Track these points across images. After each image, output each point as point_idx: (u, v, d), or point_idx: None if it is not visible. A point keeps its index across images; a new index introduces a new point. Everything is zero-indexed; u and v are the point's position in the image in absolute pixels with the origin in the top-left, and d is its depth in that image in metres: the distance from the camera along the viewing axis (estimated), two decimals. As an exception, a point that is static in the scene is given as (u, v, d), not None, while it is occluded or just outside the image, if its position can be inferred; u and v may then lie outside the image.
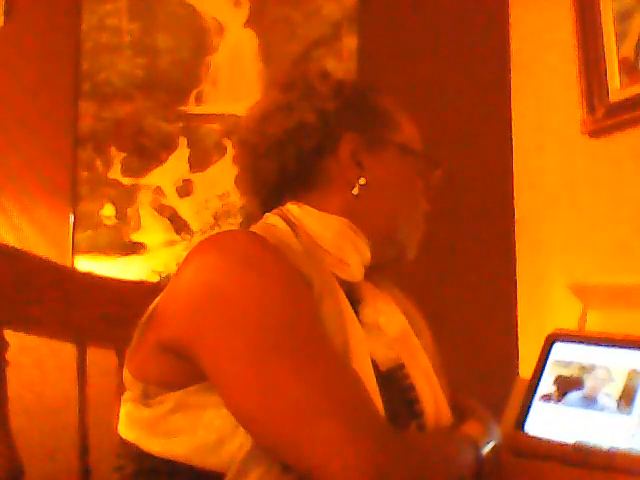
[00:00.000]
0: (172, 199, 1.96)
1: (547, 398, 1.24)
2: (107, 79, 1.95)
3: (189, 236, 1.94)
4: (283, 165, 0.99)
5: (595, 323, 1.50)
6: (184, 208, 1.96)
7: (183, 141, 1.97)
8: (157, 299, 0.90)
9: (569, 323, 1.53)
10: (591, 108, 1.68)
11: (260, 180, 1.03)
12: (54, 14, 1.96)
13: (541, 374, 1.26)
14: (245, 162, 1.04)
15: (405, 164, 1.03)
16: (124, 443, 0.90)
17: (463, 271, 2.00)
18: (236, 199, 1.90)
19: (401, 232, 1.03)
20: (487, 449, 0.95)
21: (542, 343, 1.31)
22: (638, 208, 1.56)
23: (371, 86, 1.07)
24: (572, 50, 1.75)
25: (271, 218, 0.98)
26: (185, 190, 1.96)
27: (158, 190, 1.95)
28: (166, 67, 1.97)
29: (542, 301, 1.87)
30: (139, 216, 1.94)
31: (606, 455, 1.09)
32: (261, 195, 1.04)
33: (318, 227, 0.96)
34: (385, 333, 1.00)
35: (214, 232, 0.93)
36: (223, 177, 1.95)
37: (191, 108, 1.98)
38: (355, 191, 0.98)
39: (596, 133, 1.68)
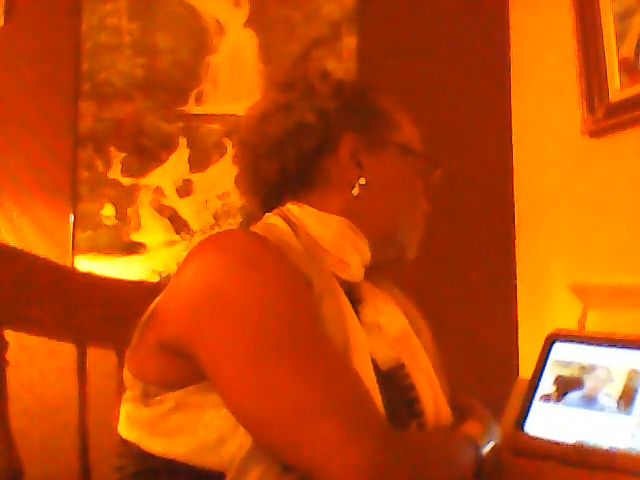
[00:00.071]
0: (172, 199, 1.96)
1: (547, 398, 1.24)
2: (107, 79, 1.95)
3: (189, 236, 1.94)
4: (283, 165, 0.99)
5: (595, 323, 1.50)
6: (184, 208, 1.96)
7: (183, 141, 1.97)
8: (157, 299, 0.90)
9: (569, 323, 1.53)
10: (591, 108, 1.68)
11: (260, 180, 1.03)
12: (54, 14, 1.96)
13: (541, 374, 1.26)
14: (245, 162, 1.04)
15: (405, 164, 1.03)
16: (124, 443, 0.90)
17: (463, 271, 2.00)
18: (236, 199, 1.90)
19: (401, 232, 1.03)
20: (487, 449, 0.95)
21: (542, 343, 1.31)
22: (638, 208, 1.56)
23: (371, 86, 1.07)
24: (572, 50, 1.75)
25: (271, 218, 0.98)
26: (185, 190, 1.96)
27: (158, 190, 1.95)
28: (166, 67, 1.97)
29: (542, 301, 1.87)
30: (139, 216, 1.94)
31: (606, 455, 1.09)
32: (261, 195, 1.04)
33: (318, 227, 0.96)
34: (385, 333, 1.00)
35: (214, 232, 0.93)
36: (223, 177, 1.95)
37: (191, 108, 1.98)
38: (355, 191, 0.98)
39: (596, 133, 1.68)
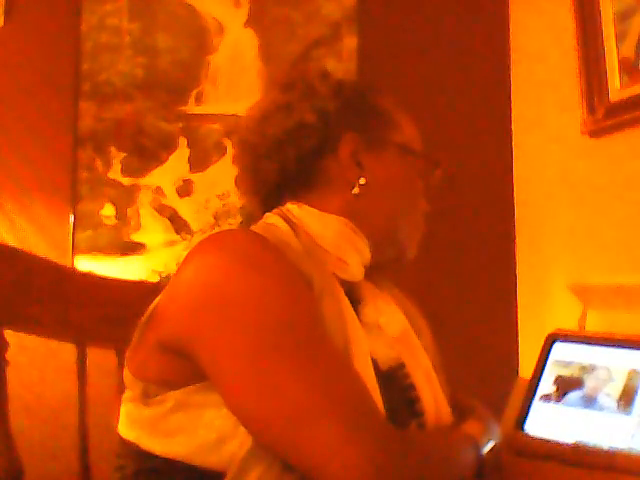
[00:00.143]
0: (172, 199, 1.96)
1: (547, 398, 1.24)
2: (107, 79, 1.95)
3: (189, 236, 1.94)
4: (283, 165, 0.99)
5: (595, 323, 1.50)
6: (184, 208, 1.96)
7: (183, 141, 1.97)
8: (157, 299, 0.90)
9: (569, 323, 1.53)
10: (591, 108, 1.68)
11: (260, 180, 1.03)
12: (54, 14, 1.96)
13: (541, 374, 1.27)
14: (245, 162, 1.04)
15: (405, 164, 1.03)
16: (124, 443, 0.90)
17: (463, 271, 2.00)
18: (236, 199, 1.90)
19: (401, 232, 1.03)
20: (487, 448, 0.95)
21: (542, 343, 1.31)
22: (638, 208, 1.56)
23: (371, 86, 1.07)
24: (572, 50, 1.75)
25: (271, 218, 0.98)
26: (185, 190, 1.96)
27: (158, 190, 1.95)
28: (166, 67, 1.97)
29: (542, 301, 1.87)
30: (139, 216, 1.94)
31: (606, 455, 1.10)
32: (261, 195, 1.04)
33: (318, 227, 0.96)
34: (385, 333, 1.00)
35: (214, 232, 0.93)
36: (223, 177, 1.95)
37: (191, 108, 1.98)
38: (355, 191, 0.98)
39: (596, 133, 1.68)
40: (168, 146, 1.96)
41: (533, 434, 1.20)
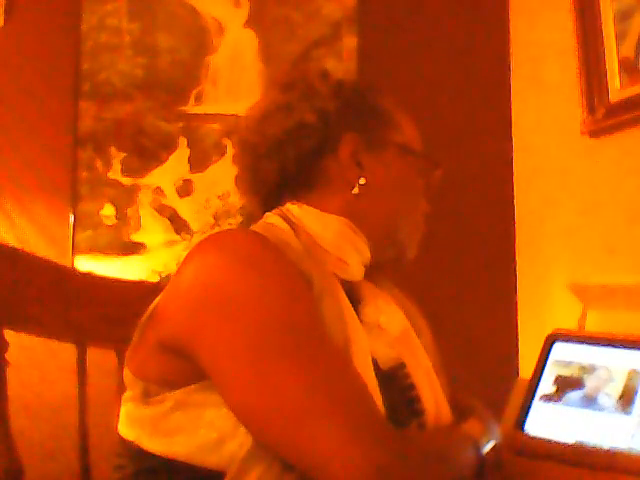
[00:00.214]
0: (172, 199, 1.96)
1: (547, 398, 1.24)
2: (107, 79, 1.95)
3: (189, 236, 1.94)
4: (283, 165, 0.99)
5: (595, 323, 1.50)
6: (184, 208, 1.96)
7: (183, 141, 1.97)
8: (157, 299, 0.90)
9: (569, 323, 1.54)
10: (591, 108, 1.68)
11: (260, 180, 1.03)
12: (54, 14, 1.96)
13: (541, 374, 1.27)
14: (245, 162, 1.04)
15: (405, 164, 1.03)
16: (124, 442, 0.90)
17: (463, 271, 2.00)
18: (236, 199, 1.90)
19: (401, 232, 1.03)
20: (487, 448, 0.95)
21: (542, 343, 1.31)
22: (638, 208, 1.56)
23: (371, 86, 1.07)
24: (572, 50, 1.75)
25: (271, 218, 0.98)
26: (185, 190, 1.96)
27: (158, 190, 1.95)
28: (166, 67, 1.97)
29: (542, 301, 1.87)
30: (139, 216, 1.94)
31: (606, 455, 1.10)
32: (261, 195, 1.04)
33: (318, 227, 0.96)
34: (386, 332, 1.00)
35: (214, 232, 0.93)
36: (223, 177, 1.95)
37: (191, 108, 1.98)
38: (355, 191, 0.98)
39: (596, 133, 1.68)
40: (168, 146, 1.96)
41: (533, 434, 1.20)
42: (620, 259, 1.60)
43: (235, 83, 2.01)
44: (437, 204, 1.08)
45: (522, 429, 1.21)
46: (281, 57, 2.00)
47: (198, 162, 1.97)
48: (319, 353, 0.81)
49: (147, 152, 1.95)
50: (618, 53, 1.63)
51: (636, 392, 1.15)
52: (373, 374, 0.88)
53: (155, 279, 1.89)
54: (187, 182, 1.96)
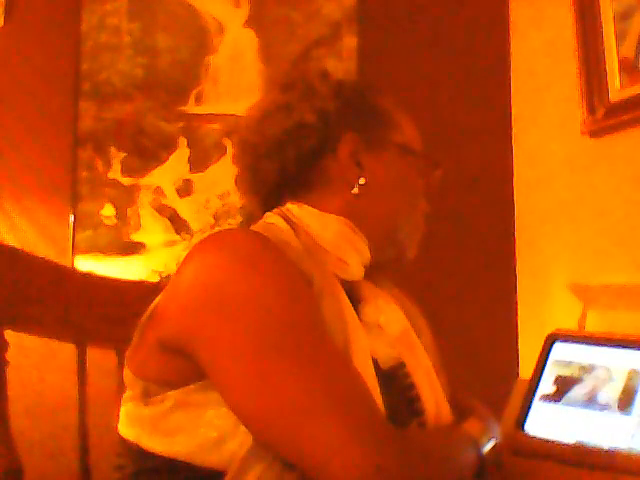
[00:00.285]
0: (172, 199, 1.96)
1: (547, 398, 1.24)
2: (107, 79, 1.95)
3: (189, 236, 1.94)
4: (283, 165, 0.99)
5: (595, 323, 1.50)
6: (184, 208, 1.96)
7: (183, 141, 1.97)
8: (157, 298, 0.90)
9: (569, 323, 1.54)
10: (591, 108, 1.68)
11: (260, 180, 1.03)
12: (54, 14, 1.96)
13: (541, 374, 1.27)
14: (245, 162, 1.04)
15: (405, 164, 1.03)
16: (124, 442, 0.90)
17: (463, 271, 2.00)
18: (236, 199, 1.90)
19: (401, 232, 1.03)
20: (488, 448, 0.95)
21: (542, 343, 1.31)
22: (638, 208, 1.56)
23: (371, 86, 1.08)
24: (572, 50, 1.75)
25: (271, 217, 0.98)
26: (185, 190, 1.96)
27: (158, 190, 1.95)
28: (166, 67, 1.97)
29: (542, 301, 1.87)
30: (139, 216, 1.94)
31: (606, 455, 1.10)
32: (261, 195, 1.04)
33: (318, 227, 0.96)
34: (386, 332, 1.00)
35: (214, 231, 0.93)
36: (223, 177, 1.95)
37: (191, 108, 1.98)
38: (355, 191, 0.98)
39: (596, 133, 1.68)
40: (168, 146, 1.96)
41: (533, 434, 1.20)
42: (620, 259, 1.60)
43: (235, 83, 2.01)
44: (437, 204, 1.08)
45: (522, 429, 1.21)
46: (281, 57, 2.00)
47: (198, 162, 1.97)
48: (319, 353, 0.81)
49: (147, 152, 1.95)
50: (618, 53, 1.63)
51: (636, 392, 1.15)
52: (373, 374, 0.88)
53: (155, 279, 1.89)
54: (187, 182, 1.96)
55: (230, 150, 1.93)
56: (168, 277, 1.81)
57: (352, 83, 1.06)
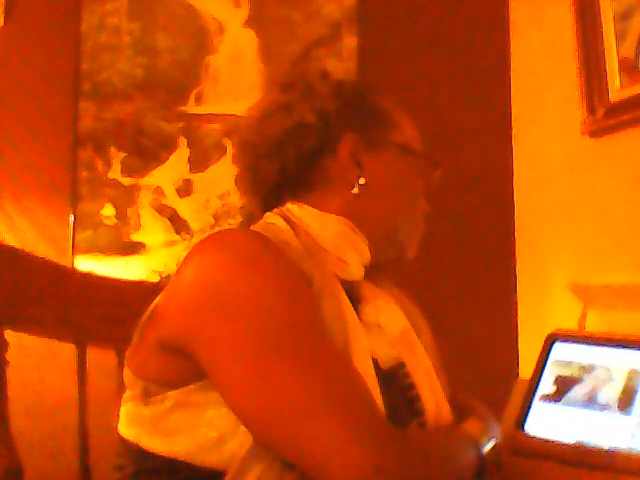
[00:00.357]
0: (172, 199, 1.96)
1: (547, 398, 1.24)
2: (107, 79, 1.95)
3: (189, 236, 1.94)
4: (283, 165, 0.99)
5: (595, 323, 1.50)
6: (184, 208, 1.96)
7: (183, 141, 1.97)
8: (157, 298, 0.90)
9: (569, 323, 1.54)
10: (591, 108, 1.68)
11: (260, 180, 1.03)
12: (54, 14, 1.96)
13: (541, 374, 1.27)
14: (245, 162, 1.04)
15: (405, 164, 1.03)
16: (124, 442, 0.90)
17: (463, 271, 2.00)
18: (236, 199, 1.90)
19: (401, 232, 1.03)
20: (488, 448, 0.95)
21: (542, 343, 1.31)
22: (638, 208, 1.56)
23: (371, 86, 1.08)
24: (572, 50, 1.75)
25: (271, 217, 0.98)
26: (185, 190, 1.96)
27: (158, 190, 1.95)
28: (166, 67, 1.97)
29: (542, 301, 1.87)
30: (139, 216, 1.94)
31: (606, 455, 1.10)
32: (261, 195, 1.04)
33: (318, 227, 0.96)
34: (386, 332, 1.00)
35: (214, 231, 0.93)
36: (223, 177, 1.95)
37: (191, 108, 1.98)
38: (355, 191, 0.98)
39: (596, 133, 1.68)
40: (168, 146, 1.96)
41: (533, 434, 1.20)
42: (620, 259, 1.60)
43: (235, 83, 2.00)
44: (437, 204, 1.08)
45: (522, 429, 1.21)
46: (281, 57, 2.00)
47: (198, 162, 1.97)
48: (319, 353, 0.81)
49: (147, 152, 1.95)
50: (618, 53, 1.63)
51: (636, 392, 1.15)
52: (373, 373, 0.88)
53: (155, 279, 1.89)
54: (187, 182, 1.96)
55: (230, 150, 1.93)
56: (168, 277, 1.81)
57: (352, 83, 1.06)
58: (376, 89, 1.06)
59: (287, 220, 0.97)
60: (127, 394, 0.91)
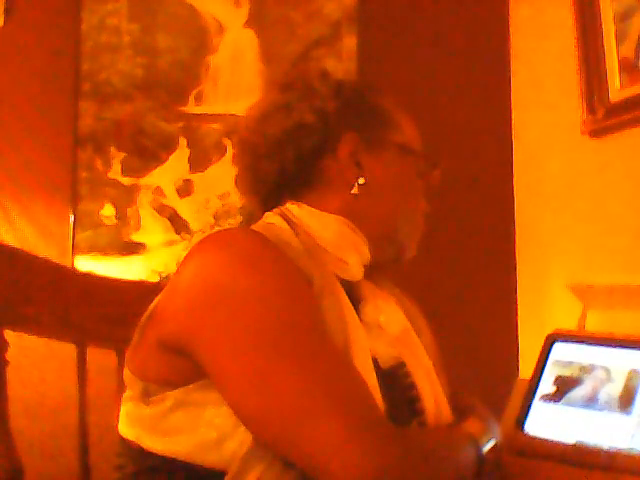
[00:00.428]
0: (172, 199, 1.96)
1: (547, 398, 1.24)
2: (107, 79, 1.95)
3: (189, 236, 1.94)
4: (283, 165, 1.00)
5: (595, 323, 1.50)
6: (184, 208, 1.96)
7: (183, 141, 1.97)
8: (157, 298, 0.90)
9: (569, 323, 1.53)
10: (591, 108, 1.68)
11: (260, 180, 1.03)
12: (54, 14, 1.96)
13: (541, 374, 1.27)
14: (245, 162, 1.05)
15: (405, 164, 1.03)
16: (124, 442, 0.90)
17: (463, 271, 2.00)
18: (236, 199, 1.90)
19: (400, 232, 1.03)
20: (488, 447, 0.95)
21: (542, 343, 1.31)
22: (638, 208, 1.56)
23: (371, 86, 1.08)
24: (572, 50, 1.75)
25: (271, 217, 0.98)
26: (185, 190, 1.96)
27: (158, 190, 1.95)
28: (166, 67, 1.97)
29: (542, 301, 1.87)
30: (139, 216, 1.94)
31: (606, 455, 1.09)
32: (261, 195, 1.04)
33: (318, 227, 0.96)
34: (386, 331, 1.00)
35: (214, 231, 0.93)
36: (223, 177, 1.95)
37: (191, 108, 1.98)
38: (354, 191, 0.98)
39: (596, 133, 1.68)
40: (168, 146, 1.96)
41: (533, 434, 1.20)
42: (620, 259, 1.60)
43: (235, 83, 2.00)
44: (437, 204, 1.08)
45: (522, 429, 1.21)
46: (281, 57, 2.00)
47: (198, 162, 1.97)
48: (319, 352, 0.81)
49: (147, 152, 1.95)
50: (618, 53, 1.63)
51: (636, 392, 1.15)
52: (373, 373, 0.88)
53: (155, 279, 1.89)
54: (187, 182, 1.96)
55: (230, 150, 1.93)
56: (168, 277, 1.81)
57: (352, 83, 1.07)
58: (376, 89, 1.07)
59: (287, 220, 0.97)
60: (127, 394, 0.91)
